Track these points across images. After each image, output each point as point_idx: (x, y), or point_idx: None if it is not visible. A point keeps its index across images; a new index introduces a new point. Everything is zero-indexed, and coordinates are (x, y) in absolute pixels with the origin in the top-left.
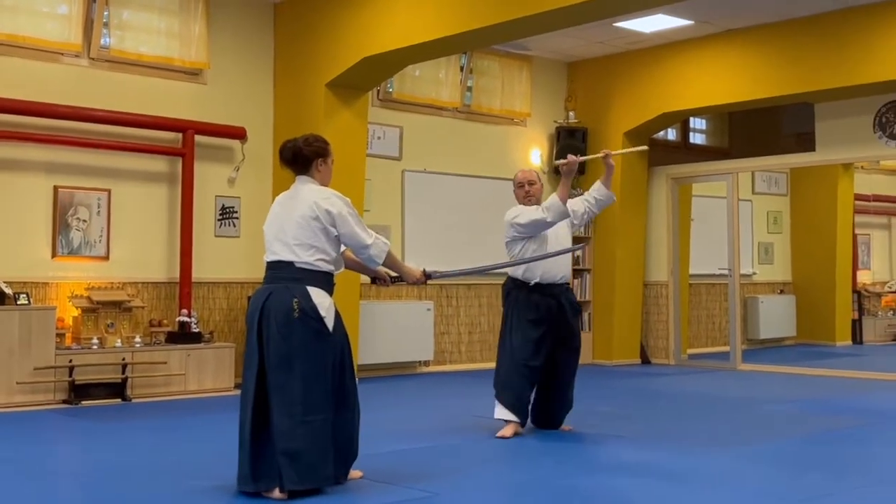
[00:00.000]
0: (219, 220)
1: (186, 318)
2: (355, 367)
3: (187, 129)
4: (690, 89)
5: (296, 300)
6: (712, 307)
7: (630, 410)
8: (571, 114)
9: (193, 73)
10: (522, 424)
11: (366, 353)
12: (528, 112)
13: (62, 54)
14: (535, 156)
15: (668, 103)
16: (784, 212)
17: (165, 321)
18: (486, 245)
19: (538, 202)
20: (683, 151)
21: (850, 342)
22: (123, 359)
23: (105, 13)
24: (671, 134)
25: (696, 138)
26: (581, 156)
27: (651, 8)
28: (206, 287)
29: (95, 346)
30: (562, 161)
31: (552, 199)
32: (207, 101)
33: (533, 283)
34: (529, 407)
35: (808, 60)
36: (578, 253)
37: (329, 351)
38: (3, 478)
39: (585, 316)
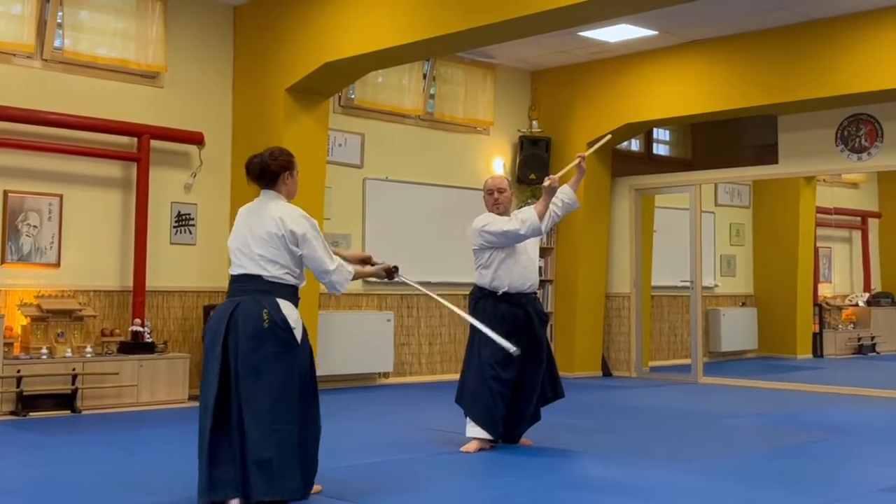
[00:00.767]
0: (174, 227)
1: (139, 328)
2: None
3: (143, 133)
4: (654, 100)
5: (265, 311)
6: (674, 319)
7: (591, 424)
8: (535, 123)
9: (150, 77)
10: (496, 441)
11: (324, 364)
12: (491, 121)
13: (14, 55)
14: (499, 165)
15: (631, 114)
16: (746, 224)
17: (118, 331)
18: (449, 255)
19: (507, 210)
20: (647, 162)
21: (810, 355)
22: (74, 369)
23: (59, 14)
24: (634, 145)
25: (660, 149)
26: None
27: (614, 17)
28: (161, 296)
29: (45, 356)
30: (546, 182)
31: (529, 213)
32: (164, 104)
33: (501, 292)
34: (501, 422)
35: (772, 73)
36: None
37: (296, 362)
38: None
39: (547, 328)
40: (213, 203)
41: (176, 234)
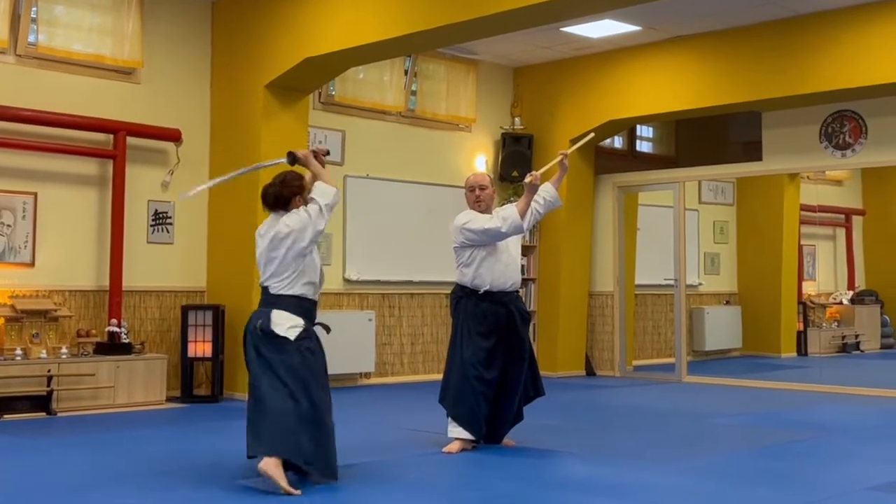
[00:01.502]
0: (151, 225)
1: (116, 329)
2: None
3: (119, 130)
4: (637, 97)
5: (260, 321)
6: (658, 318)
7: (575, 424)
8: (517, 120)
9: (126, 72)
10: (478, 442)
11: None
12: (473, 117)
13: None
14: (481, 162)
15: (614, 111)
16: (730, 222)
17: (94, 331)
18: (432, 254)
19: (488, 208)
20: (630, 160)
21: (795, 354)
22: (49, 371)
23: (34, 9)
24: (618, 142)
25: (643, 146)
26: (535, 164)
27: (597, 13)
28: (138, 296)
29: (19, 358)
30: (527, 179)
31: (510, 211)
32: (140, 101)
33: (482, 290)
34: (484, 423)
35: (756, 69)
36: (523, 262)
37: (296, 353)
38: None
39: (530, 327)
40: (190, 201)
41: (153, 232)
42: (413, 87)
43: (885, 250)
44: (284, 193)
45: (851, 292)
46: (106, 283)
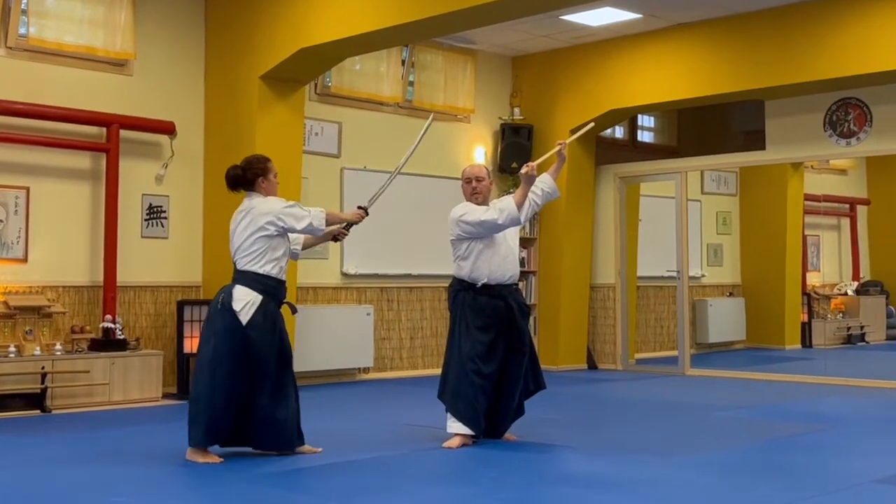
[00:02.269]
0: (146, 220)
1: (111, 325)
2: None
3: (112, 123)
4: (638, 86)
5: (222, 296)
6: (660, 310)
7: (576, 418)
8: (517, 110)
9: (119, 64)
10: (478, 437)
11: (302, 359)
12: (472, 108)
13: None
14: (480, 153)
15: (615, 100)
16: (733, 212)
17: (88, 327)
18: (430, 246)
19: (485, 200)
20: (631, 150)
21: (799, 346)
22: (43, 368)
23: (24, 0)
24: (619, 132)
25: (645, 136)
26: (534, 155)
27: (597, 0)
28: (132, 291)
29: (13, 355)
30: (523, 170)
31: (507, 202)
32: (134, 93)
33: (480, 284)
34: (483, 417)
35: (759, 56)
36: (523, 254)
37: (238, 339)
38: None
39: (531, 321)
40: (185, 195)
41: (147, 227)
42: (410, 78)
43: (890, 240)
44: (247, 176)
45: (856, 283)
46: (100, 278)
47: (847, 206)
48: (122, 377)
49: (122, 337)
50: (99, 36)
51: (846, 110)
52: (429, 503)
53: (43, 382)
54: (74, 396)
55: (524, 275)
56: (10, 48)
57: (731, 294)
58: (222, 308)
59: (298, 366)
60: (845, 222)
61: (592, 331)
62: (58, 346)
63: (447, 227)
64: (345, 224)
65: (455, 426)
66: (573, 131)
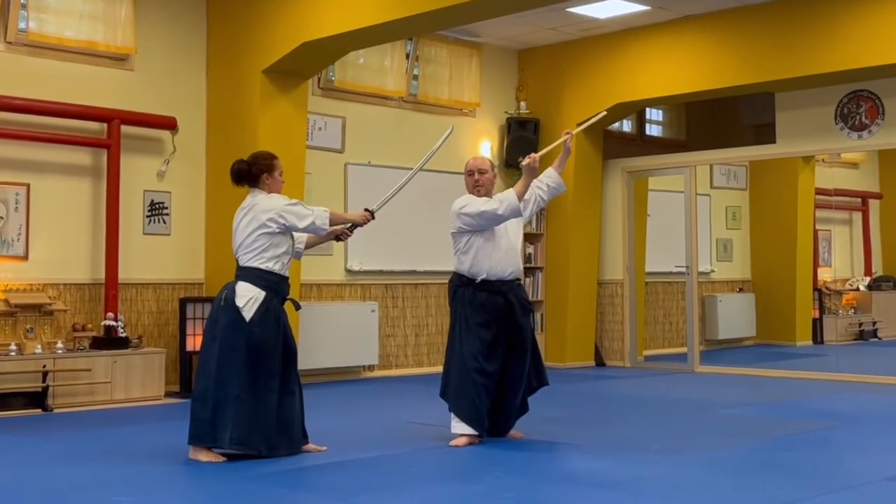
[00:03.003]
0: (147, 216)
1: (112, 322)
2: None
3: (113, 118)
4: (646, 79)
5: (225, 293)
6: (669, 307)
7: (584, 416)
8: (523, 104)
9: (120, 59)
10: (481, 436)
11: (306, 357)
12: (477, 102)
13: None
14: (486, 148)
15: (623, 93)
16: (743, 207)
17: (90, 325)
18: (435, 242)
19: (488, 193)
20: (639, 144)
21: (810, 342)
22: (44, 366)
23: None
24: (626, 125)
25: (653, 130)
26: (540, 149)
27: None
28: (134, 289)
29: (13, 353)
30: (525, 161)
31: (508, 193)
32: (135, 88)
33: (479, 279)
34: (487, 416)
35: (769, 48)
36: (530, 250)
37: (243, 336)
38: None
39: (538, 317)
40: (187, 191)
41: (149, 223)
42: (415, 72)
43: None
44: (252, 171)
45: (868, 278)
46: (101, 275)
47: (859, 200)
48: (124, 375)
49: (124, 335)
50: (99, 30)
51: (858, 103)
52: (433, 502)
53: (44, 381)
54: (76, 395)
55: (531, 271)
56: (10, 43)
57: (741, 290)
58: (225, 305)
59: (302, 363)
60: (857, 217)
61: (600, 327)
62: (59, 345)
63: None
64: (349, 225)
65: (459, 426)
66: (580, 124)
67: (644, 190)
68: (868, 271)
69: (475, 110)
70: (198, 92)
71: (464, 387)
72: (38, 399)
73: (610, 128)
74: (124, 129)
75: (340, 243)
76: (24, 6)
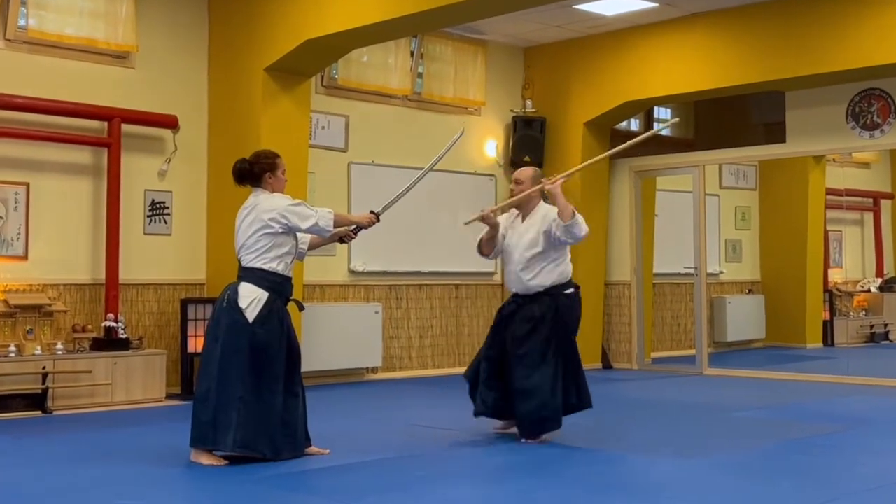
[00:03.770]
0: (148, 216)
1: (113, 323)
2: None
3: (114, 117)
4: (654, 77)
5: (228, 293)
6: (677, 308)
7: (591, 418)
8: (529, 102)
9: (120, 57)
10: (475, 413)
11: (309, 359)
12: (482, 100)
13: None
14: (491, 147)
15: (630, 91)
16: (753, 207)
17: (90, 326)
18: (440, 243)
19: (518, 204)
20: (647, 143)
21: (820, 344)
22: (44, 367)
23: None
24: (634, 124)
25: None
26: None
27: None
28: (135, 289)
29: (13, 354)
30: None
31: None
32: (136, 86)
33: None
34: (478, 398)
35: (779, 46)
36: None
37: (245, 338)
38: None
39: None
40: (188, 190)
41: (150, 223)
42: (419, 70)
43: None
44: (255, 170)
45: (880, 279)
46: (102, 276)
47: (870, 200)
48: (124, 377)
49: (124, 336)
50: (100, 28)
51: (869, 101)
52: None
53: (44, 383)
54: (76, 397)
55: None
56: (10, 40)
57: (750, 291)
58: (228, 306)
59: (304, 365)
60: (868, 217)
61: (607, 329)
62: (59, 346)
63: (455, 223)
64: (353, 227)
65: None
66: (563, 176)
67: (652, 190)
68: (880, 273)
69: (480, 109)
70: (199, 90)
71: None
72: (37, 401)
73: (618, 126)
74: (125, 127)
75: (343, 245)
76: (23, 3)
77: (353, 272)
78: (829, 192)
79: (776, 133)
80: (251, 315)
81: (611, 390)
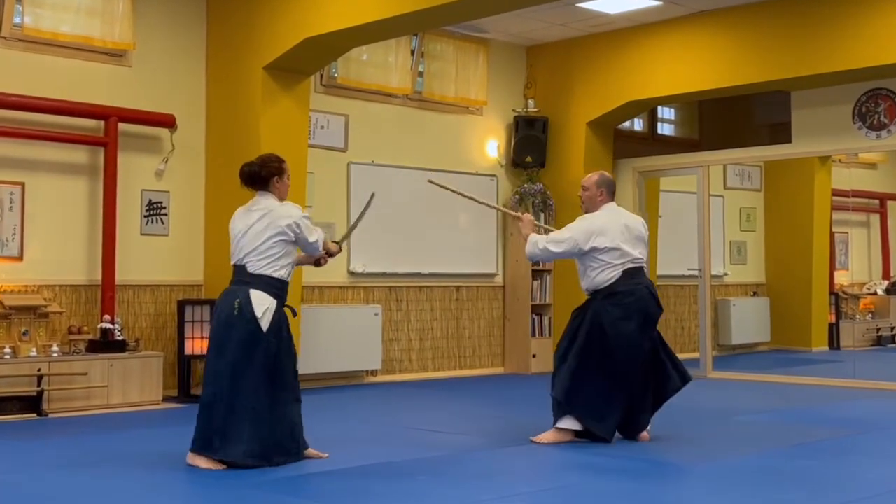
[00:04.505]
0: (145, 216)
1: (109, 325)
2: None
3: (110, 115)
4: (658, 76)
5: (237, 301)
6: (681, 311)
7: None
8: (531, 102)
9: (117, 55)
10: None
11: (307, 361)
12: (484, 100)
13: None
14: (492, 147)
15: (634, 91)
16: (758, 208)
17: (86, 328)
18: (441, 244)
19: (587, 210)
20: (651, 143)
21: (826, 347)
22: (39, 370)
23: None
24: (638, 124)
25: (665, 129)
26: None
27: None
28: (132, 290)
29: (8, 356)
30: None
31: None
32: (132, 85)
33: None
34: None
35: (784, 45)
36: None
37: (261, 348)
38: None
39: (546, 321)
40: (186, 190)
41: (147, 223)
42: (420, 68)
43: None
44: (262, 173)
45: (887, 282)
46: (98, 277)
47: (877, 201)
48: (121, 379)
49: (120, 338)
50: (96, 25)
51: (876, 101)
52: None
53: (39, 385)
54: (72, 399)
55: (539, 273)
56: (5, 38)
57: (755, 293)
58: (240, 314)
59: (303, 368)
60: (875, 219)
61: None
62: (54, 348)
63: (456, 224)
64: (327, 252)
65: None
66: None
67: (655, 190)
68: (886, 275)
69: (482, 108)
70: (197, 89)
71: None
72: (32, 403)
73: (621, 126)
74: (122, 126)
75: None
76: (19, 1)
77: (352, 273)
78: (835, 193)
79: (781, 133)
80: (265, 324)
81: None
